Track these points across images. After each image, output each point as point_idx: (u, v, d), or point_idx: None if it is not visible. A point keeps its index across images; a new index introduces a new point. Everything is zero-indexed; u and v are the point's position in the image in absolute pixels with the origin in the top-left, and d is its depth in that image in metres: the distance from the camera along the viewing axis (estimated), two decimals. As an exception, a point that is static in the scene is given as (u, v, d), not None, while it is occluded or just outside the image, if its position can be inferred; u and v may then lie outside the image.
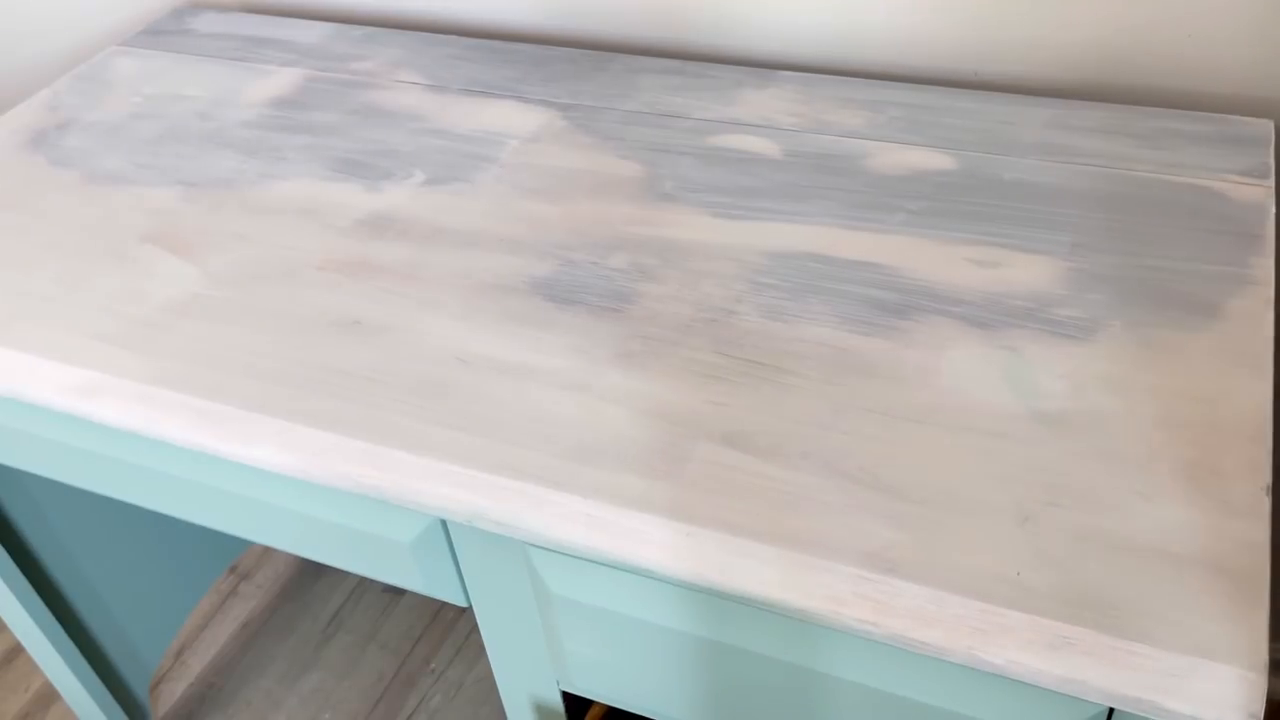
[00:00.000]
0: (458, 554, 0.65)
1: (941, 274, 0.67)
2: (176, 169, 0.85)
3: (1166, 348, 0.60)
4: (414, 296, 0.70)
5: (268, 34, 1.04)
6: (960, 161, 0.76)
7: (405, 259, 0.73)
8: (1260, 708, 0.44)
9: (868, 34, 0.89)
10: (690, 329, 0.65)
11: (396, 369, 0.64)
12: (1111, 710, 0.49)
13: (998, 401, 0.58)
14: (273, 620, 1.33)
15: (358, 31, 1.02)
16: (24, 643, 1.06)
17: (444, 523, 0.63)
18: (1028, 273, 0.66)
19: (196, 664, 1.29)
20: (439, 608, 1.32)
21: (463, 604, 0.68)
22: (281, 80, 0.96)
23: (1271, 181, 0.71)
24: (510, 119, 0.87)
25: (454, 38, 1.00)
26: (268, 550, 1.41)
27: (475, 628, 1.30)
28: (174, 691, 1.26)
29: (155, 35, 1.06)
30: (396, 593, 1.34)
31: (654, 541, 0.54)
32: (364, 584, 1.35)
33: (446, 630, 1.29)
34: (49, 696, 1.27)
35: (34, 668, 1.30)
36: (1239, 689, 0.45)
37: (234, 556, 1.37)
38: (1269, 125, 0.76)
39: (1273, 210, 0.69)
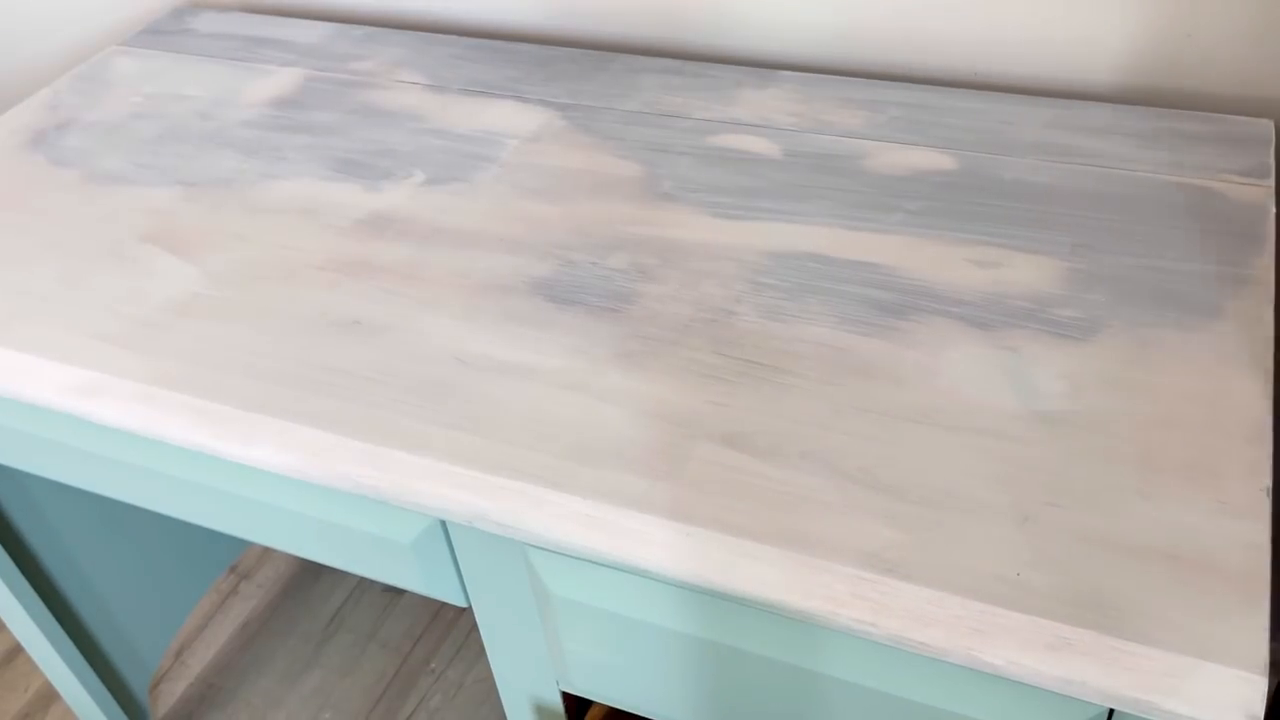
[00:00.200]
0: (457, 554, 0.65)
1: (941, 274, 0.67)
2: (176, 169, 0.85)
3: (1166, 348, 0.60)
4: (414, 296, 0.70)
5: (268, 34, 1.04)
6: (960, 161, 0.76)
7: (405, 259, 0.73)
8: (1260, 708, 0.44)
9: (868, 34, 0.89)
10: (690, 329, 0.65)
11: (396, 369, 0.64)
12: (1111, 711, 0.49)
13: (997, 401, 0.58)
14: (273, 620, 1.33)
15: (358, 31, 1.02)
16: (24, 643, 1.06)
17: (444, 523, 0.63)
18: (1028, 273, 0.66)
19: (196, 664, 1.29)
20: (439, 608, 1.32)
21: (463, 604, 0.68)
22: (281, 80, 0.96)
23: (1271, 181, 0.71)
24: (510, 119, 0.87)
25: (454, 38, 1.00)
26: (268, 550, 1.41)
27: (475, 628, 1.30)
28: (174, 691, 1.26)
29: (155, 35, 1.06)
30: (396, 592, 1.34)
31: (653, 542, 0.54)
32: (364, 584, 1.35)
33: (446, 630, 1.30)
34: (49, 696, 1.27)
35: (34, 668, 1.30)
36: (1239, 689, 0.45)
37: (234, 556, 1.37)
38: (1269, 125, 0.76)
39: (1273, 210, 0.69)
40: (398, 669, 1.26)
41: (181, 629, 1.32)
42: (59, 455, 0.76)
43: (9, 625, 1.04)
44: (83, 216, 0.81)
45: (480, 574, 0.65)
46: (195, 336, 0.68)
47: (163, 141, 0.89)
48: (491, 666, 0.72)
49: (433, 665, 1.26)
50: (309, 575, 1.37)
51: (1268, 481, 0.53)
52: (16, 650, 1.32)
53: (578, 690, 0.68)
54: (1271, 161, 0.73)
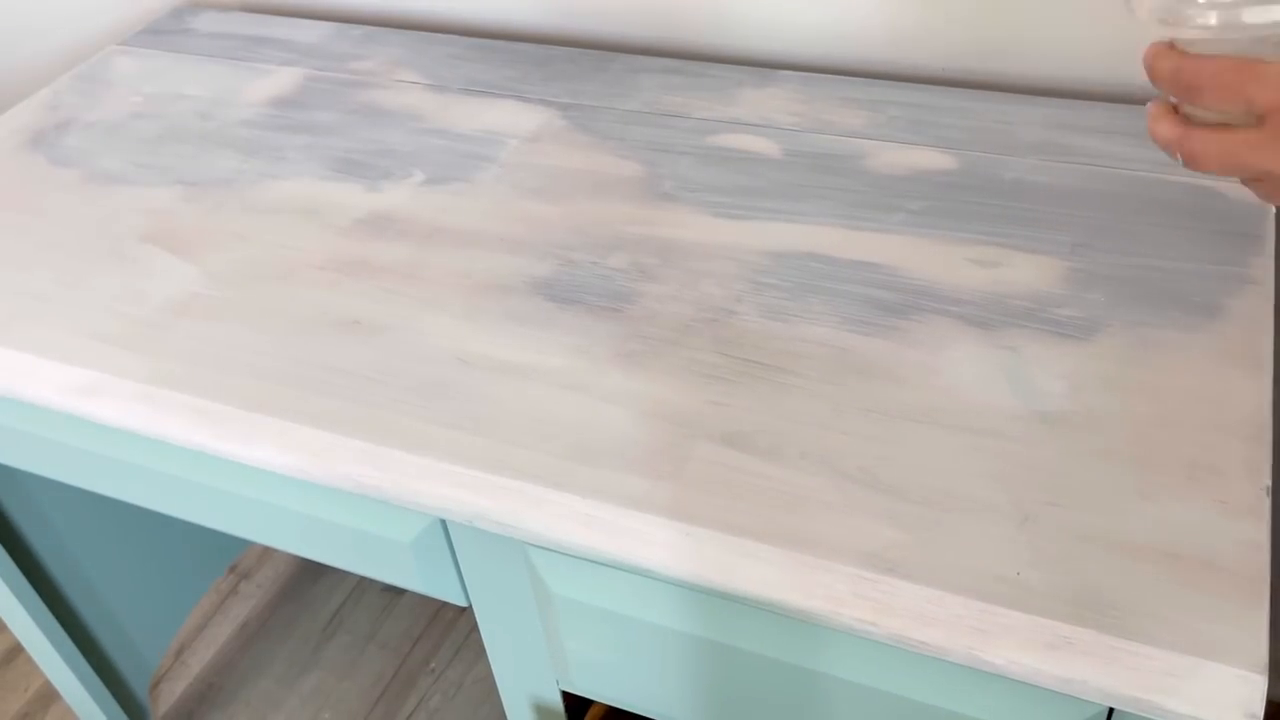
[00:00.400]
0: (457, 554, 0.65)
1: (941, 274, 0.67)
2: (176, 169, 0.85)
3: (1166, 348, 0.60)
4: (414, 296, 0.70)
5: (267, 34, 1.04)
6: (960, 161, 0.76)
7: (405, 259, 0.73)
8: (1260, 708, 0.44)
9: (868, 34, 0.89)
10: (690, 329, 0.65)
11: (397, 369, 0.64)
12: (1111, 710, 0.49)
13: (997, 401, 0.58)
14: (273, 620, 1.33)
15: (358, 31, 1.02)
16: (24, 642, 1.06)
17: (444, 523, 0.63)
18: (1028, 273, 0.66)
19: (196, 664, 1.29)
20: (439, 608, 1.32)
21: (462, 604, 0.68)
22: (281, 80, 0.96)
23: (1271, 181, 0.71)
24: (510, 119, 0.87)
25: (454, 37, 1.00)
26: (268, 550, 1.41)
27: (475, 628, 1.30)
28: (174, 691, 1.26)
29: (155, 35, 1.06)
30: (396, 593, 1.34)
31: (654, 541, 0.54)
32: (364, 584, 1.35)
33: (446, 630, 1.30)
34: (49, 696, 1.27)
35: (34, 667, 1.30)
36: (1239, 689, 0.45)
37: (234, 556, 1.37)
38: (1269, 125, 0.76)
39: (1273, 210, 0.69)
40: (397, 669, 1.26)
41: (181, 629, 1.32)
42: (59, 455, 0.76)
43: (9, 625, 1.04)
44: (82, 216, 0.81)
45: (480, 573, 0.65)
46: (195, 336, 0.68)
47: (163, 141, 0.89)
48: (491, 666, 0.72)
49: (432, 665, 1.26)
50: (309, 575, 1.37)
51: (1268, 481, 0.53)
52: (16, 650, 1.32)
53: (578, 690, 0.68)
54: (1271, 161, 0.73)
